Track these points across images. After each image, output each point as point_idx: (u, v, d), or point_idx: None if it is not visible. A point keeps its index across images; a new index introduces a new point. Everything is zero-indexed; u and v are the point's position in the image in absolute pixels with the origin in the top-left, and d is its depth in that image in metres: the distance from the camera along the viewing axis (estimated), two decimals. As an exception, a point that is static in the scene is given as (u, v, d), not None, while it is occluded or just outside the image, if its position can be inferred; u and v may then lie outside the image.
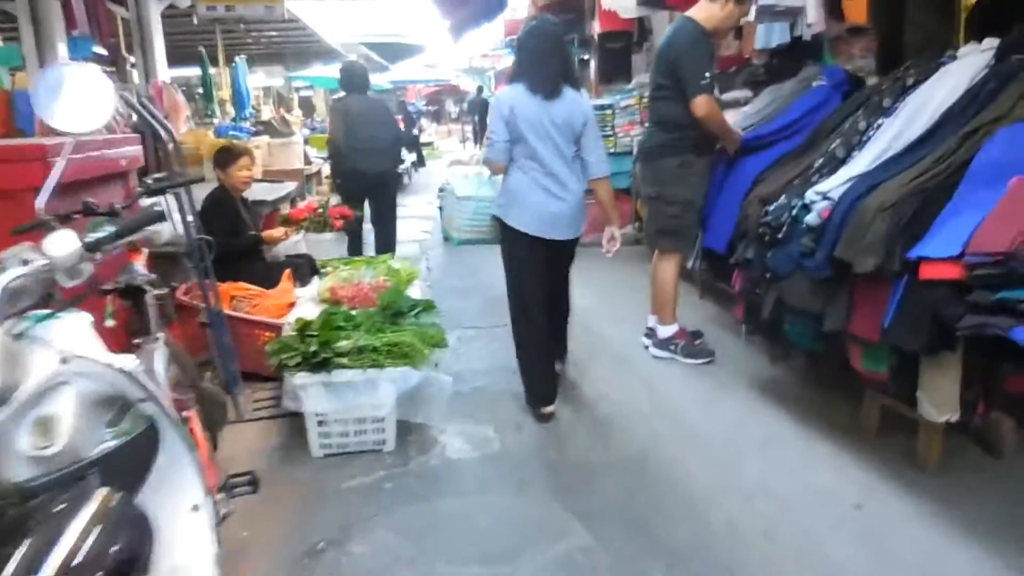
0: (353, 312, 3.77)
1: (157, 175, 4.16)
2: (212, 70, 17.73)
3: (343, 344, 3.32)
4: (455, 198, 4.45)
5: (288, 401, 3.26)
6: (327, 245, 5.71)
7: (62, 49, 8.81)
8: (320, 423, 3.28)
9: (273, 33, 19.22)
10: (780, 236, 3.08)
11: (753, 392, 3.82)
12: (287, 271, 4.55)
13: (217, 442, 3.09)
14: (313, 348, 3.26)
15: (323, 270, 5.13)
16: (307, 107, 25.23)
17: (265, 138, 11.16)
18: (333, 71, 18.35)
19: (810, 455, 3.21)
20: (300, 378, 3.23)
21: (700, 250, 4.66)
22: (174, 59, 17.96)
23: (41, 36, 8.64)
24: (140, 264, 2.90)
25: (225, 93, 15.91)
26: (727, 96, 5.77)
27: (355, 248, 6.23)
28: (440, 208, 8.40)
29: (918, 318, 2.48)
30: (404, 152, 15.20)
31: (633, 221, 7.04)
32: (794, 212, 3.04)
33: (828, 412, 3.49)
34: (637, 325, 4.72)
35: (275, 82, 23.28)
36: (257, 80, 23.99)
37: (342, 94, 6.53)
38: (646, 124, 6.66)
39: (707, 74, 3.90)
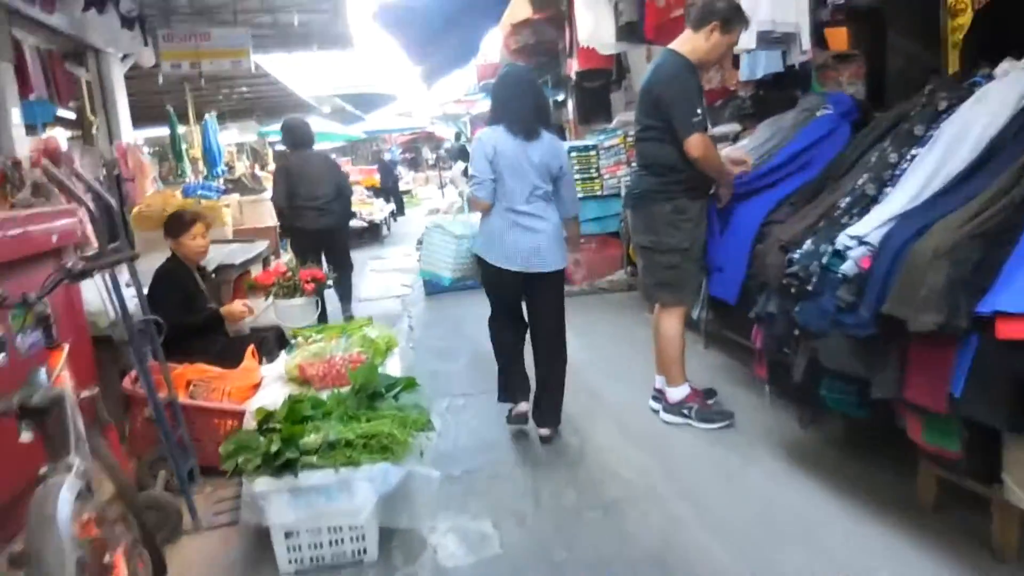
0: (324, 395, 3.29)
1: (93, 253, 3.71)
2: (182, 128, 17.38)
3: (311, 439, 2.83)
4: (452, 238, 4.24)
5: (248, 513, 2.75)
6: (298, 311, 5.21)
7: (15, 115, 8.36)
8: (288, 535, 2.77)
9: (244, 88, 18.91)
10: (809, 288, 2.66)
11: (782, 461, 3.34)
12: (250, 347, 4.06)
13: (164, 563, 2.59)
14: (275, 447, 2.77)
15: (293, 340, 4.66)
16: (281, 159, 24.86)
17: (235, 196, 10.72)
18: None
19: (859, 538, 2.73)
20: (261, 484, 2.73)
21: (705, 298, 4.23)
22: (144, 119, 17.62)
23: (-8, 102, 8.18)
24: (60, 364, 2.40)
25: (197, 151, 15.53)
26: (716, 131, 5.42)
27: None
28: (420, 253, 7.79)
29: (997, 386, 2.04)
30: (382, 203, 14.89)
31: (625, 265, 6.63)
32: (824, 260, 2.62)
33: (874, 484, 3.02)
34: (641, 384, 4.26)
35: (248, 137, 22.92)
36: (230, 136, 23.61)
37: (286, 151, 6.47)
38: (633, 166, 6.34)
39: (698, 110, 3.51)
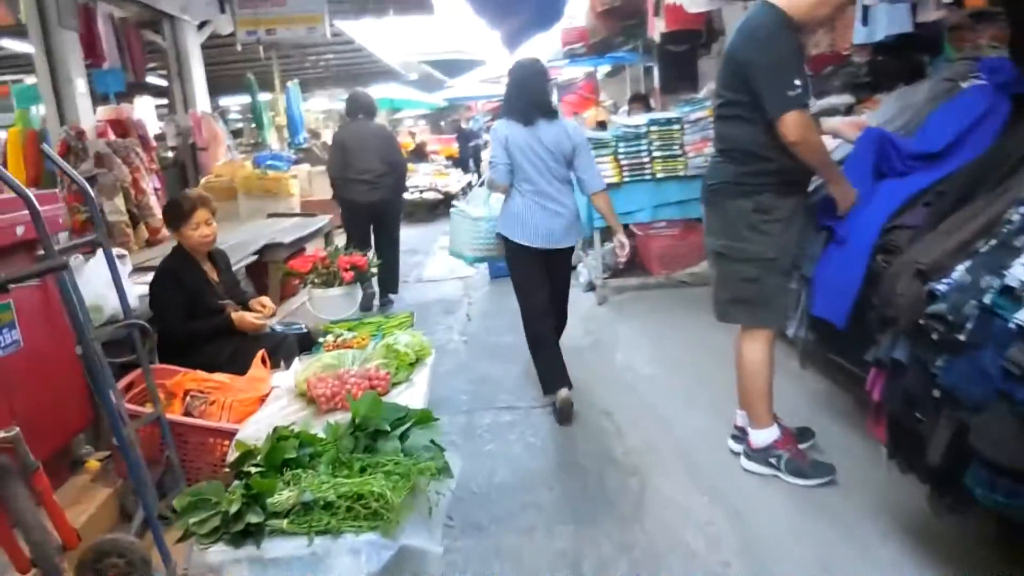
0: (324, 423, 2.68)
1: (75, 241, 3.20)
2: (266, 96, 17.24)
3: (282, 497, 2.22)
4: (470, 220, 4.47)
5: (197, 590, 2.18)
6: (336, 302, 4.65)
7: (80, 85, 8.11)
8: (249, 618, 2.19)
9: (330, 56, 18.60)
10: (962, 337, 1.83)
11: (903, 550, 2.50)
12: (260, 352, 3.49)
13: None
14: (235, 507, 2.17)
15: (321, 340, 4.08)
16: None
17: (305, 166, 10.31)
18: (388, 91, 17.63)
19: None
20: (216, 554, 2.14)
21: (804, 315, 3.39)
22: (232, 88, 17.58)
23: (57, 71, 7.94)
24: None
25: (283, 118, 15.33)
26: (821, 104, 4.49)
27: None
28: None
29: None
30: (459, 173, 14.29)
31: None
32: (988, 299, 1.79)
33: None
34: (721, 412, 3.49)
35: (337, 105, 22.73)
36: (320, 104, 23.55)
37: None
38: (709, 152, 5.46)
39: (796, 81, 2.65)
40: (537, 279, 3.94)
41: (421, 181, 13.63)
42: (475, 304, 6.45)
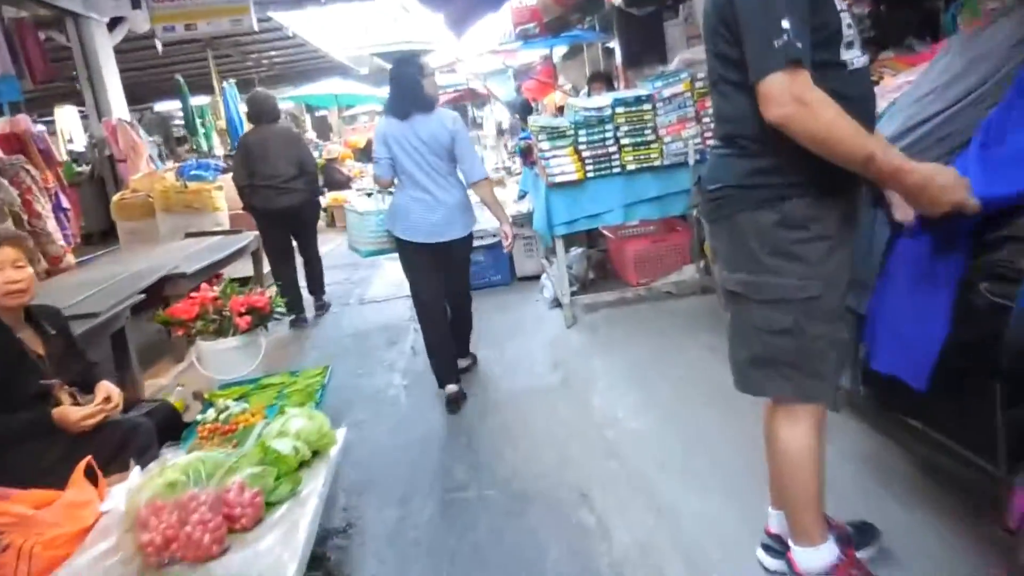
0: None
1: None
2: (201, 100, 15.94)
3: None
4: (357, 215, 4.50)
5: None
6: (229, 358, 3.57)
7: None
8: None
9: (273, 53, 17.34)
10: None
11: None
12: (86, 460, 2.40)
13: None
14: None
15: (199, 417, 3.02)
16: (322, 127, 23.37)
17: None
18: (333, 86, 16.38)
19: None
20: None
21: (858, 368, 2.37)
22: (167, 91, 16.20)
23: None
24: None
25: (224, 122, 14.08)
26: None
27: (293, 299, 5.60)
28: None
29: None
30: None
31: (697, 259, 4.74)
32: None
33: None
34: (734, 492, 2.49)
35: (284, 105, 21.39)
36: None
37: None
38: (689, 135, 4.43)
39: (784, 23, 1.64)
40: (426, 274, 3.90)
41: (368, 184, 12.45)
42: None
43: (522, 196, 5.76)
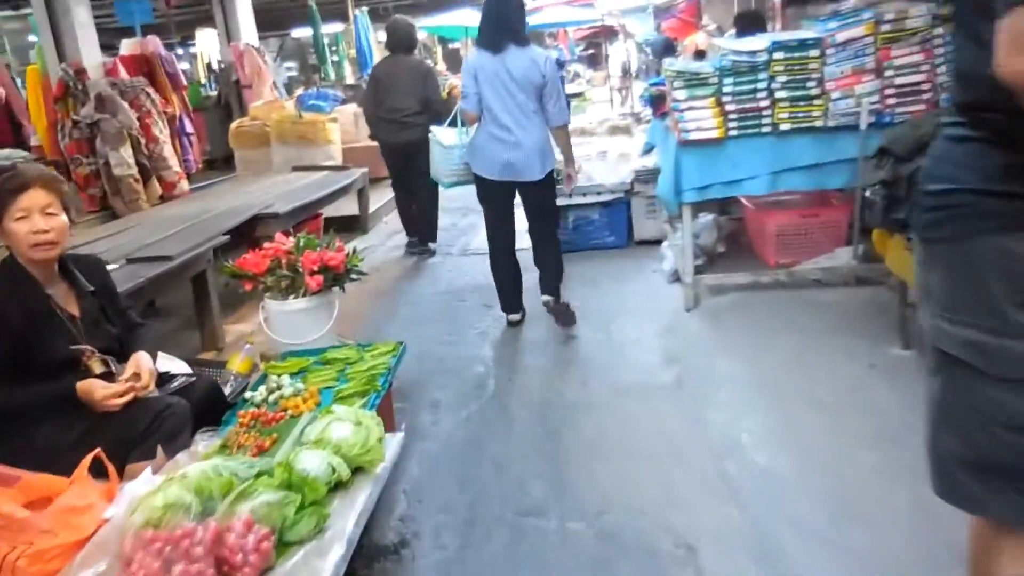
0: None
1: None
2: (333, 27, 15.76)
3: None
4: (442, 147, 4.20)
5: None
6: (297, 321, 3.14)
7: (81, 14, 6.75)
8: None
9: (411, -20, 16.88)
10: None
11: None
12: (92, 454, 2.01)
13: None
14: None
15: (249, 395, 2.60)
16: (454, 60, 22.82)
17: (351, 106, 8.78)
18: (465, 18, 15.71)
19: None
20: None
21: None
22: (302, 18, 16.04)
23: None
24: None
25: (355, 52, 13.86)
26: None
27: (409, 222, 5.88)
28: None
29: None
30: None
31: (857, 242, 3.87)
32: None
33: None
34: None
35: (419, 35, 20.96)
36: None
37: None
38: (865, 90, 3.50)
39: None
40: (502, 212, 3.91)
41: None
42: (532, 290, 4.81)
43: (648, 150, 5.01)
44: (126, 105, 6.55)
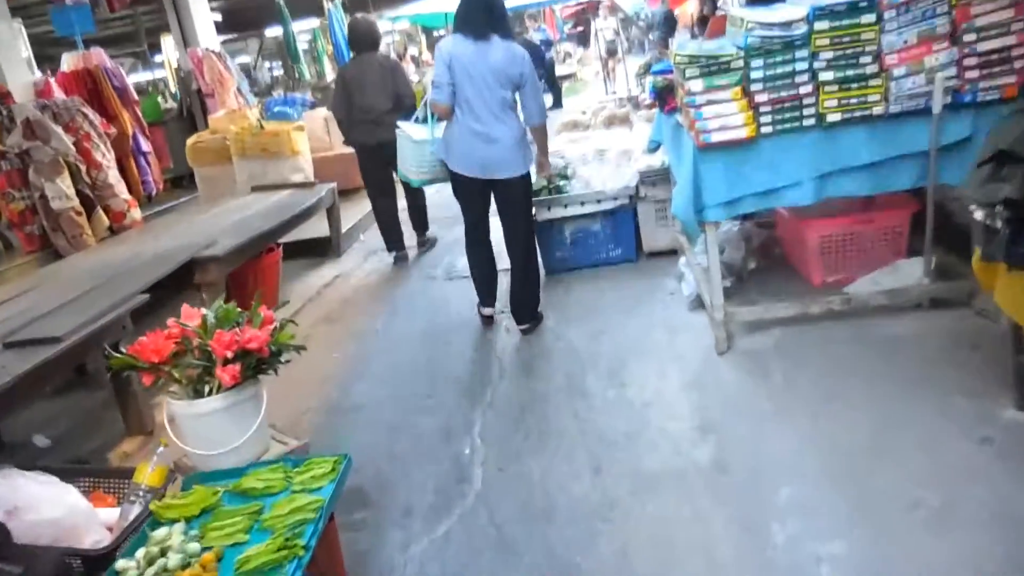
0: None
1: None
2: (307, 23, 14.87)
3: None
4: (412, 142, 3.88)
5: None
6: (212, 425, 2.34)
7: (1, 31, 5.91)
8: None
9: (386, -33, 15.85)
10: None
11: None
12: None
13: None
14: None
15: (132, 554, 1.82)
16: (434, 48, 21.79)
17: (321, 111, 7.92)
18: (444, 3, 14.77)
19: None
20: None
21: None
22: (274, 16, 15.09)
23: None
24: None
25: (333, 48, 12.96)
26: None
27: (394, 237, 5.48)
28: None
29: None
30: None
31: (926, 255, 3.03)
32: None
33: None
34: None
35: (399, 25, 19.97)
36: (383, 25, 20.80)
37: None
38: (941, 61, 2.64)
39: None
40: (478, 210, 3.73)
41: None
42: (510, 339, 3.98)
43: (654, 148, 4.17)
44: (60, 130, 5.71)
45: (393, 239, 5.43)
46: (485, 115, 3.42)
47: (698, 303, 3.63)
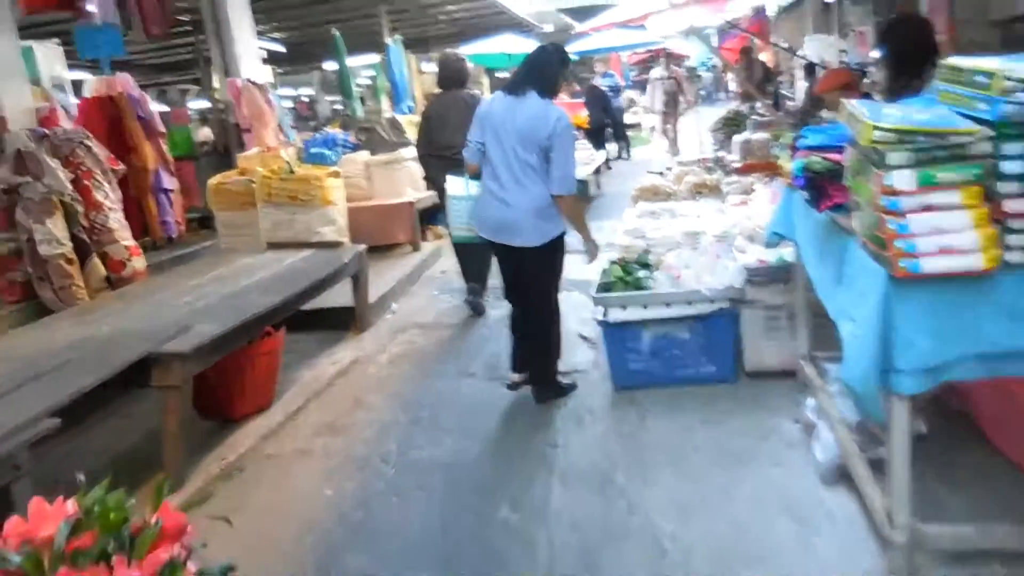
0: None
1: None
2: (367, 58, 14.28)
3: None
4: (451, 197, 3.70)
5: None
6: None
7: (3, 46, 5.15)
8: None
9: (452, 7, 15.20)
10: None
11: None
12: None
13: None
14: None
15: None
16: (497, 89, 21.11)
17: (363, 154, 7.01)
18: (507, 44, 13.98)
19: None
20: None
21: None
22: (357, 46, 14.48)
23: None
24: None
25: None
26: None
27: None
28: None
29: None
30: (591, 150, 10.38)
31: None
32: None
33: None
34: None
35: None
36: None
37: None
38: None
39: None
40: (507, 276, 3.47)
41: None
42: (572, 444, 2.88)
43: (774, 242, 3.06)
44: (55, 165, 4.89)
45: (475, 278, 5.04)
46: (505, 177, 3.21)
47: (840, 474, 2.48)
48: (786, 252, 3.24)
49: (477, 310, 4.94)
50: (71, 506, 1.50)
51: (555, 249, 3.29)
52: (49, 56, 7.10)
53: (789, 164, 2.49)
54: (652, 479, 2.73)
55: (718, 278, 3.30)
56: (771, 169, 5.27)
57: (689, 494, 2.59)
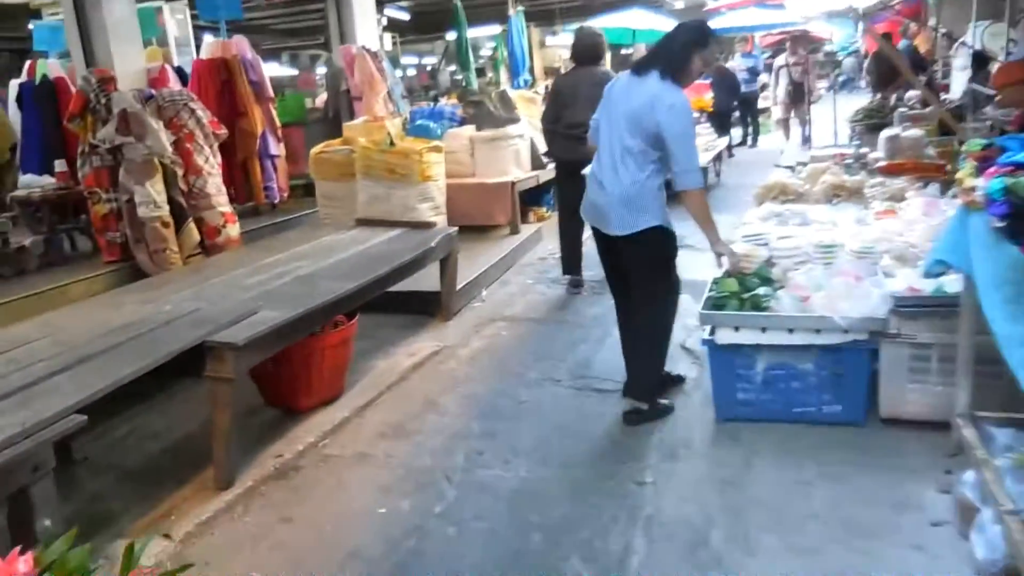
0: None
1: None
2: (484, 30, 13.94)
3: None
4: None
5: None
6: None
7: (116, 8, 5.11)
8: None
9: (585, -22, 14.63)
10: None
11: None
12: None
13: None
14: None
15: None
16: (621, 66, 20.29)
17: (468, 129, 6.66)
18: (632, 20, 13.23)
19: None
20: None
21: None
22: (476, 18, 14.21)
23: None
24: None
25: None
26: None
27: (572, 261, 4.97)
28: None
29: None
30: (713, 134, 9.58)
31: None
32: None
33: None
34: None
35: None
36: (567, 39, 19.56)
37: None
38: None
39: None
40: (605, 266, 3.26)
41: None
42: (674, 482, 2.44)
43: (935, 272, 2.46)
44: (158, 127, 4.83)
45: (572, 264, 4.98)
46: (606, 160, 3.00)
47: (999, 567, 1.92)
48: (947, 281, 2.62)
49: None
50: (25, 564, 1.23)
51: (648, 243, 2.93)
52: (177, 16, 7.16)
53: (977, 180, 1.90)
54: (755, 546, 2.25)
55: (855, 304, 2.72)
56: (923, 171, 4.52)
57: (801, 574, 2.10)
